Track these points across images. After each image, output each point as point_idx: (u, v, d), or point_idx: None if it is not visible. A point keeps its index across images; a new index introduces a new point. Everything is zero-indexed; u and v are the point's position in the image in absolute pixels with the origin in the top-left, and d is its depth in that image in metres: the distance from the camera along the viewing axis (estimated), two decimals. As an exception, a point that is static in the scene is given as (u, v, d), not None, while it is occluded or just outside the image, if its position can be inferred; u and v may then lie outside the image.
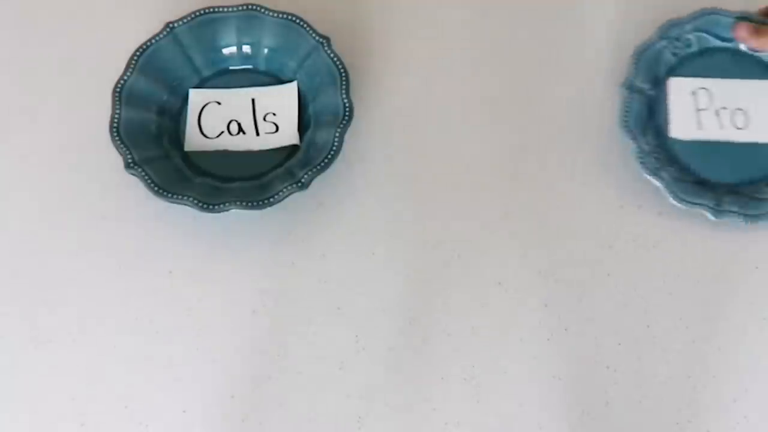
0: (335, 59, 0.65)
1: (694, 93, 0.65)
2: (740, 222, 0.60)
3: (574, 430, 0.56)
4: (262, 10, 0.66)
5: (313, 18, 0.66)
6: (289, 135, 0.66)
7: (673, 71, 0.66)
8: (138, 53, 0.65)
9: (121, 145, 0.62)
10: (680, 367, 0.58)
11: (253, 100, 0.67)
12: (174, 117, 0.67)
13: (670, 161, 0.63)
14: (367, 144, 0.66)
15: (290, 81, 0.67)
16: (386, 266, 0.62)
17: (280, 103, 0.67)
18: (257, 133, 0.66)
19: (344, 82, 0.64)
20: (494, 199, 0.64)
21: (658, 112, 0.65)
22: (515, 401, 0.57)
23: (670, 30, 0.66)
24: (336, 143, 0.62)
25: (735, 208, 0.61)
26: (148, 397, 0.58)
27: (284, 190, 0.60)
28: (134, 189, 0.62)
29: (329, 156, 0.61)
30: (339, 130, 0.62)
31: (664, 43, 0.66)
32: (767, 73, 0.66)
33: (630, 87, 0.64)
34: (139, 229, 0.63)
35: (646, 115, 0.65)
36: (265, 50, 0.68)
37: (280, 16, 0.66)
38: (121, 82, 0.64)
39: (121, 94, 0.64)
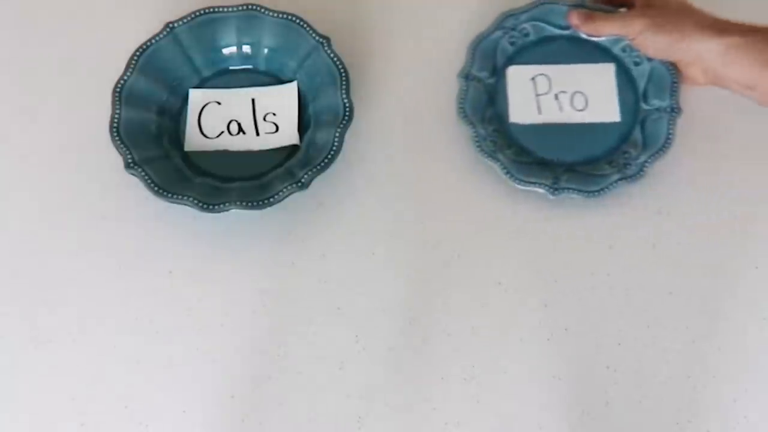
0: (335, 59, 0.65)
1: (533, 79, 0.67)
2: (580, 199, 0.61)
3: (574, 430, 0.56)
4: (262, 10, 0.66)
5: (313, 18, 0.66)
6: (289, 135, 0.66)
7: (512, 60, 0.68)
8: (138, 53, 0.65)
9: (121, 145, 0.62)
10: (680, 367, 0.58)
11: (253, 100, 0.67)
12: (174, 117, 0.67)
13: (509, 144, 0.64)
14: (367, 144, 0.66)
15: (290, 81, 0.67)
16: (386, 266, 0.62)
17: (280, 103, 0.67)
18: (257, 133, 0.66)
19: (344, 82, 0.64)
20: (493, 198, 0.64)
21: (499, 100, 0.66)
22: (515, 401, 0.57)
23: (505, 21, 0.68)
24: (336, 143, 0.62)
25: (573, 185, 0.62)
26: (148, 397, 0.58)
27: (284, 190, 0.60)
28: (134, 189, 0.62)
29: (329, 156, 0.61)
30: (339, 130, 0.62)
31: (500, 33, 0.68)
32: (605, 57, 0.67)
33: (467, 76, 0.66)
34: (139, 229, 0.63)
35: (485, 102, 0.66)
36: (265, 50, 0.68)
37: (280, 16, 0.66)
38: (121, 82, 0.64)
39: (121, 94, 0.64)
